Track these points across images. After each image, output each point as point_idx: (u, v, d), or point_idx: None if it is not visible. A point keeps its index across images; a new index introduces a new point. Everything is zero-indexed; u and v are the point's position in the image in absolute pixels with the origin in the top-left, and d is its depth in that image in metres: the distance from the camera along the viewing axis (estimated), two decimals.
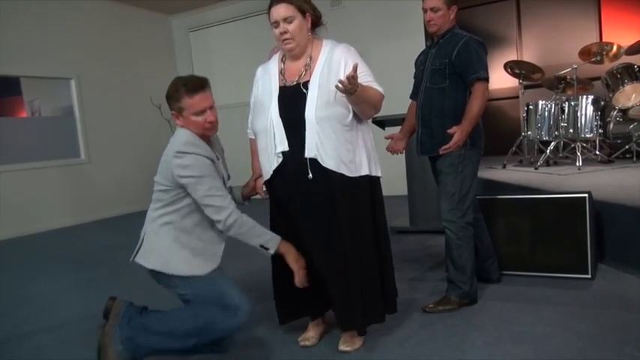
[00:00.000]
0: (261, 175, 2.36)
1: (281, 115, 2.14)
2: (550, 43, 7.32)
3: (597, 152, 5.24)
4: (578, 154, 4.94)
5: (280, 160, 2.16)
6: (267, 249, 2.13)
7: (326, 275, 2.19)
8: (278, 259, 2.23)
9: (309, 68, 2.17)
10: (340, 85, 1.96)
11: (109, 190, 7.57)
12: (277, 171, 2.18)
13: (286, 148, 2.14)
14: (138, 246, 2.19)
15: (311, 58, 2.19)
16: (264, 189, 2.38)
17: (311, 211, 2.16)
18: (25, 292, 3.79)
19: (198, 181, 2.04)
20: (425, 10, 2.68)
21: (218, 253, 2.18)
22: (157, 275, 2.13)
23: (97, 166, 7.52)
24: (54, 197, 6.94)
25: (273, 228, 2.31)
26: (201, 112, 2.10)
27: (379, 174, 2.29)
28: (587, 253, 2.95)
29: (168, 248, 2.10)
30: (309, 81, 2.14)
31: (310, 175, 2.11)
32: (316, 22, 2.23)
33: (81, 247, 5.53)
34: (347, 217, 2.15)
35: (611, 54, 5.54)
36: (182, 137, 2.11)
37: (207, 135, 2.17)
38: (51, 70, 7.10)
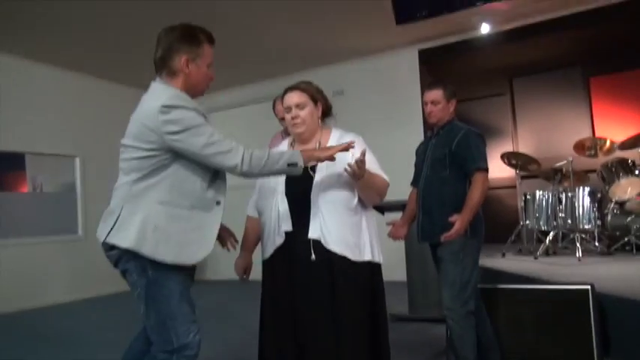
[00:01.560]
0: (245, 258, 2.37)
1: (287, 195, 2.18)
2: (545, 136, 7.56)
3: (597, 244, 5.23)
4: (578, 244, 4.94)
5: (282, 240, 2.16)
6: (295, 164, 1.94)
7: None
8: (264, 339, 2.17)
9: None
10: (349, 169, 2.01)
11: (103, 267, 7.37)
12: (278, 251, 2.18)
13: (290, 228, 2.15)
14: (112, 223, 1.87)
15: (320, 143, 2.27)
16: (244, 274, 2.37)
17: (309, 295, 2.13)
18: None
19: (194, 132, 1.80)
20: (425, 103, 2.81)
21: (209, 237, 1.93)
22: (122, 257, 1.87)
23: (94, 243, 7.38)
24: (49, 273, 6.83)
25: (264, 309, 2.25)
26: (210, 65, 1.99)
27: (381, 261, 2.27)
28: (592, 347, 2.86)
29: (142, 224, 1.82)
30: (316, 165, 2.19)
31: (313, 256, 2.10)
32: (327, 112, 2.34)
33: (72, 325, 5.37)
34: (346, 303, 2.11)
35: (605, 148, 5.71)
36: (168, 90, 1.88)
37: (203, 92, 2.03)
38: (57, 147, 7.26)
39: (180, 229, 1.87)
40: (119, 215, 1.86)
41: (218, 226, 1.97)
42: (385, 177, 2.25)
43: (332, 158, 2.03)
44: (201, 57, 1.95)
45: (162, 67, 1.95)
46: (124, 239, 1.83)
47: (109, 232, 1.87)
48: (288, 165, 1.93)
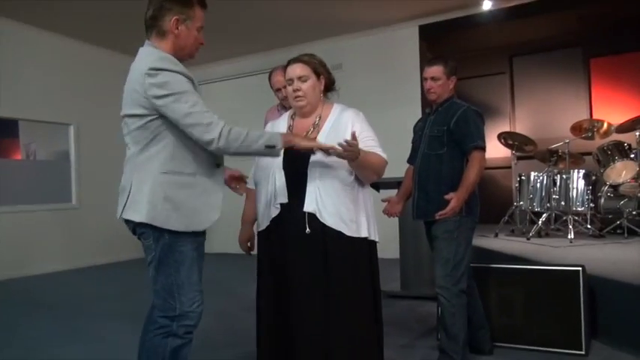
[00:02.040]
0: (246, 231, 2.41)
1: (284, 168, 2.17)
2: (542, 117, 7.54)
3: (589, 226, 5.26)
4: (570, 227, 4.96)
5: (278, 211, 2.16)
6: (273, 146, 1.91)
7: (309, 335, 2.11)
8: (263, 316, 2.18)
9: (317, 127, 2.22)
10: (339, 149, 1.97)
11: (97, 237, 7.45)
12: (274, 222, 2.18)
13: (286, 200, 2.14)
14: (125, 199, 1.90)
15: (320, 117, 2.25)
16: (249, 244, 2.42)
17: (303, 268, 2.12)
18: (3, 337, 3.65)
19: (177, 98, 1.79)
20: (425, 79, 2.78)
21: (215, 200, 1.95)
22: (141, 229, 1.90)
23: (88, 212, 7.44)
24: (42, 241, 6.81)
25: (260, 280, 2.27)
26: (201, 29, 1.98)
27: (377, 239, 2.26)
28: (580, 329, 2.90)
29: (151, 197, 1.84)
30: (315, 138, 2.17)
31: (308, 229, 2.09)
32: (329, 86, 2.30)
33: (65, 294, 5.39)
34: (341, 278, 2.10)
35: (601, 131, 5.69)
36: (155, 53, 1.86)
37: (192, 55, 2.01)
38: (51, 115, 7.16)
39: (188, 196, 1.89)
40: (130, 190, 1.88)
41: (222, 188, 2.00)
42: (383, 154, 2.21)
43: (311, 150, 2.03)
44: (191, 19, 1.93)
45: (152, 27, 1.93)
46: (137, 214, 1.85)
47: (123, 208, 1.90)
48: (266, 147, 1.91)
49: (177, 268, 1.90)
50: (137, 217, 1.85)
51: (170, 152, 1.86)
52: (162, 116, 1.83)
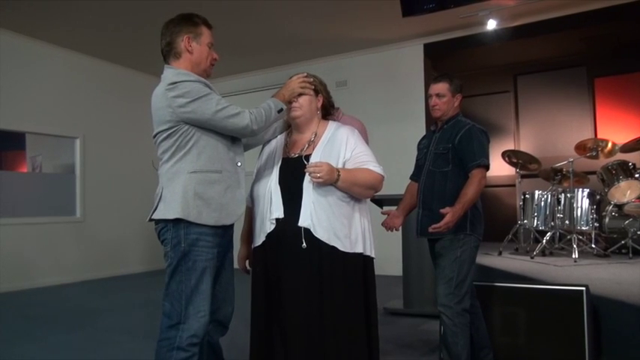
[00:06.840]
0: (246, 250, 2.42)
1: (280, 183, 2.19)
2: (547, 135, 7.54)
3: (593, 246, 5.24)
4: (574, 246, 4.93)
5: (273, 226, 2.16)
6: (281, 109, 2.17)
7: (302, 349, 2.09)
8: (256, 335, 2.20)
9: (312, 143, 2.26)
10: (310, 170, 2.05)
11: (100, 250, 7.46)
12: (270, 237, 2.18)
13: (281, 215, 2.15)
14: (156, 203, 2.06)
15: (316, 134, 2.28)
16: (247, 262, 2.43)
17: (298, 283, 2.11)
18: (2, 352, 3.64)
19: (202, 100, 1.99)
20: (430, 96, 2.80)
21: (239, 195, 2.12)
22: (164, 227, 2.03)
23: (92, 225, 7.46)
24: (45, 254, 6.82)
25: (255, 296, 2.25)
26: (212, 46, 2.18)
27: (373, 255, 2.25)
28: (584, 349, 2.87)
29: (183, 195, 1.98)
30: (310, 155, 2.20)
31: (304, 244, 2.09)
32: (327, 108, 2.37)
33: (66, 307, 5.38)
34: (333, 294, 2.09)
35: (606, 150, 5.69)
36: (170, 71, 2.10)
37: (207, 71, 2.20)
38: (58, 128, 7.22)
39: (216, 192, 2.05)
40: (161, 195, 2.06)
41: (244, 184, 2.17)
42: (377, 170, 2.21)
43: (297, 93, 2.22)
44: (200, 36, 2.14)
45: (169, 52, 2.15)
46: (171, 212, 1.99)
47: (154, 211, 2.06)
48: (278, 112, 2.16)
49: (188, 278, 2.00)
50: (171, 214, 1.99)
51: (196, 153, 2.03)
52: (186, 123, 2.00)
